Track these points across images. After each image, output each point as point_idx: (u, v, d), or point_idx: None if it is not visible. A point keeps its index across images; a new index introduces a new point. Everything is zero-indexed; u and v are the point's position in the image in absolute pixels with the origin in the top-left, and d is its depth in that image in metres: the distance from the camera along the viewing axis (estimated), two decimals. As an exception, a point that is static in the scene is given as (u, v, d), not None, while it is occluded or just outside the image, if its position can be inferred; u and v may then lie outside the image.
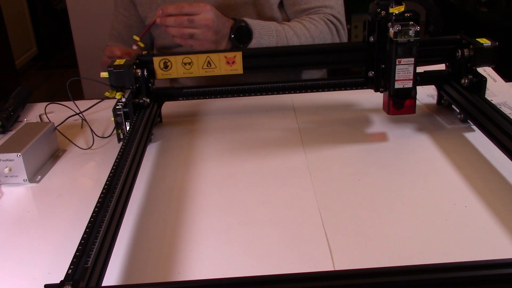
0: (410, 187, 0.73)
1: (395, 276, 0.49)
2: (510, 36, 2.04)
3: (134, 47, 1.06)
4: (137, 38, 1.06)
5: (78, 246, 0.54)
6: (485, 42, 0.86)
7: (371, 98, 0.98)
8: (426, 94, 1.02)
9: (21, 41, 3.45)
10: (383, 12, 0.84)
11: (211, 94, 0.97)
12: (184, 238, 0.65)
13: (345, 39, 1.18)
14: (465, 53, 0.88)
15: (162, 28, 1.02)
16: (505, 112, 0.79)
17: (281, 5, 1.20)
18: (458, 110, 0.91)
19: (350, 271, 0.51)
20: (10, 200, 0.76)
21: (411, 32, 0.81)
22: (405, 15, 0.82)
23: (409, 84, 0.84)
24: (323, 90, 0.97)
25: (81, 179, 0.81)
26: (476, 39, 0.88)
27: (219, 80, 0.97)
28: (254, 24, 1.07)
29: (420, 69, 0.95)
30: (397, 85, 0.84)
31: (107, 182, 0.66)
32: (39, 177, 0.81)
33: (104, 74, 0.88)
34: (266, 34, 1.07)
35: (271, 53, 0.95)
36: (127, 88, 0.88)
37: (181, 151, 0.87)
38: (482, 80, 0.86)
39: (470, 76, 0.88)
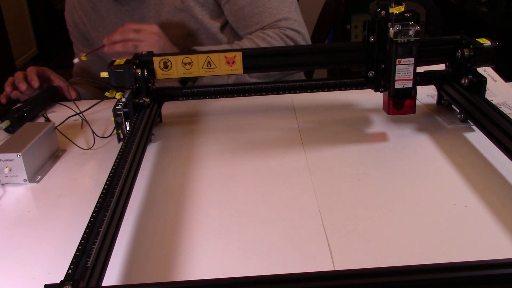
0: (410, 187, 0.73)
1: (395, 276, 0.49)
2: (510, 36, 2.04)
3: (76, 60, 1.09)
4: (83, 58, 1.07)
5: (78, 246, 0.54)
6: (485, 42, 0.86)
7: (371, 98, 0.98)
8: (426, 94, 1.02)
9: (21, 41, 3.45)
10: (383, 12, 0.83)
11: (211, 94, 0.97)
12: (184, 238, 0.65)
13: None
14: (465, 53, 0.87)
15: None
16: (505, 112, 0.79)
17: (222, 28, 1.18)
18: (458, 110, 0.91)
19: (350, 271, 0.51)
20: (10, 200, 0.76)
21: (411, 32, 0.81)
22: (405, 15, 0.82)
23: (409, 84, 0.84)
24: (323, 90, 0.97)
25: (81, 179, 0.81)
26: (476, 39, 0.88)
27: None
28: None
29: (420, 69, 0.95)
30: (397, 85, 0.84)
31: (107, 182, 0.66)
32: (39, 177, 0.81)
33: (104, 74, 0.88)
34: None
35: (271, 53, 0.95)
36: (127, 88, 0.88)
37: (181, 151, 0.87)
38: (482, 80, 0.86)
39: (470, 76, 0.88)
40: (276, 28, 1.12)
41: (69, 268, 0.51)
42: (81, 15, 1.24)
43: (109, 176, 0.68)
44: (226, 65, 0.91)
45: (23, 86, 1.06)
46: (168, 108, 0.99)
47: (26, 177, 0.79)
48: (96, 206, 0.61)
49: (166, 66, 0.91)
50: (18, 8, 3.48)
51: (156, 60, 0.90)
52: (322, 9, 1.74)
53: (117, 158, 0.73)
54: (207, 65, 0.91)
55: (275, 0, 1.13)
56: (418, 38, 0.81)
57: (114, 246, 0.59)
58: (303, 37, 1.14)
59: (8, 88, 1.09)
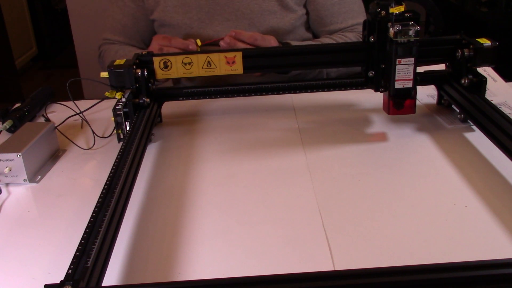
0: (410, 187, 0.73)
1: (395, 276, 0.49)
2: (510, 36, 2.04)
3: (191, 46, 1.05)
4: (199, 43, 1.08)
5: (78, 246, 0.54)
6: (485, 42, 0.86)
7: (371, 98, 0.98)
8: (426, 94, 1.02)
9: (21, 41, 3.45)
10: (383, 12, 0.83)
11: (211, 94, 0.97)
12: (184, 238, 0.65)
13: None
14: (465, 53, 0.87)
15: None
16: (505, 112, 0.79)
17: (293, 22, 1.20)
18: (458, 110, 0.91)
19: (350, 271, 0.51)
20: (10, 200, 0.76)
21: (411, 32, 0.81)
22: (405, 15, 0.82)
23: (409, 84, 0.84)
24: (323, 90, 0.97)
25: (81, 179, 0.81)
26: (476, 39, 0.88)
27: (219, 81, 0.97)
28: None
29: (420, 69, 0.95)
30: (397, 85, 0.84)
31: (107, 182, 0.66)
32: (39, 177, 0.81)
33: (104, 74, 0.88)
34: None
35: (271, 53, 0.95)
36: (127, 88, 0.88)
37: (181, 151, 0.87)
38: (482, 80, 0.86)
39: (470, 76, 0.88)
40: (355, 32, 1.18)
41: (69, 268, 0.51)
42: None
43: (109, 176, 0.68)
44: (226, 65, 0.91)
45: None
46: (168, 108, 0.99)
47: (26, 177, 0.79)
48: (96, 206, 0.61)
49: (166, 66, 0.91)
50: (18, 8, 3.48)
51: (156, 60, 0.91)
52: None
53: (117, 158, 0.73)
54: (207, 65, 0.91)
55: (357, 3, 1.21)
56: (418, 38, 0.81)
57: (114, 246, 0.59)
58: None
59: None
